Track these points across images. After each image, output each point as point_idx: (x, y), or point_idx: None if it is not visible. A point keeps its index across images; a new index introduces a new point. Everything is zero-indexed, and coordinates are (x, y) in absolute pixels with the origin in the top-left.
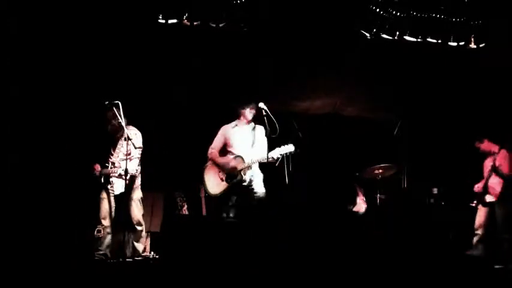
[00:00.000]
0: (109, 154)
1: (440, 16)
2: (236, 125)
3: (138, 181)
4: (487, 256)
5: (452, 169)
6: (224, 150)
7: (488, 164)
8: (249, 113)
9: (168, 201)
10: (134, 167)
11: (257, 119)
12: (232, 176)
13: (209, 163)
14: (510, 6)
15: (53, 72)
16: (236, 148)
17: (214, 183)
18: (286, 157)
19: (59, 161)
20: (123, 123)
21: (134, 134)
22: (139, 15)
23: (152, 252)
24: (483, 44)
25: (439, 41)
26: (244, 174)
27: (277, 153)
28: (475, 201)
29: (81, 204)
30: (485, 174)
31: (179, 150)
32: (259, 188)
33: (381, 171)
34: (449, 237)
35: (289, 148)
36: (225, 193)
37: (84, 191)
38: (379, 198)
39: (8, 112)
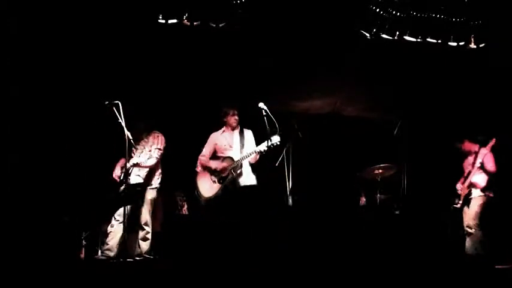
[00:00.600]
0: (131, 155)
1: (440, 16)
2: (224, 131)
3: (155, 183)
4: (485, 255)
5: (452, 169)
6: (215, 157)
7: (468, 163)
8: (231, 119)
9: (168, 201)
10: (147, 159)
11: (257, 119)
12: (224, 176)
13: (200, 170)
14: (510, 7)
15: (53, 72)
16: (226, 153)
17: (207, 186)
18: (284, 153)
19: (58, 161)
20: (123, 124)
21: (157, 136)
22: (139, 16)
23: (152, 252)
24: (483, 44)
25: (439, 41)
26: (235, 173)
27: (263, 146)
28: (460, 202)
29: (82, 204)
30: (466, 173)
31: (179, 150)
32: (247, 179)
33: (380, 171)
34: (449, 237)
35: (276, 139)
36: (218, 195)
37: (85, 191)
38: (379, 198)
39: (8, 112)
